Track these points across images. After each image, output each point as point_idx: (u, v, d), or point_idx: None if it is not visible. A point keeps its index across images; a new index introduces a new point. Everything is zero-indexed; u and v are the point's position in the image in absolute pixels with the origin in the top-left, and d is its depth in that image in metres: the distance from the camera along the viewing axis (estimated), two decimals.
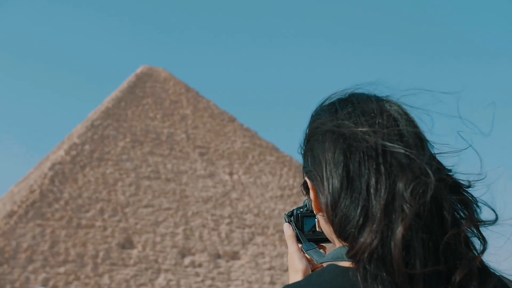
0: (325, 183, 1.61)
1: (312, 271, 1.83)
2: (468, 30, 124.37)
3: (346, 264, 1.54)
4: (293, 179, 43.49)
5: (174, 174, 40.69)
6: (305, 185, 1.76)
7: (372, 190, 1.50)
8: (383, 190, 1.49)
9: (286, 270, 36.80)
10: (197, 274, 35.37)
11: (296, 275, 1.81)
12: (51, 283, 32.27)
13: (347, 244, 1.55)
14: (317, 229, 1.76)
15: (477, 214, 1.57)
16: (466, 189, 1.60)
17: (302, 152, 1.76)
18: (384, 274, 1.44)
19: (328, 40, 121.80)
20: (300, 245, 1.90)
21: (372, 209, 1.49)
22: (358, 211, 1.51)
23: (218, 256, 36.70)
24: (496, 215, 1.56)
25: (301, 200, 43.16)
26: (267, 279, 36.27)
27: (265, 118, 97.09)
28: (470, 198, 1.59)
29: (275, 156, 45.04)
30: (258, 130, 62.97)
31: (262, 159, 44.55)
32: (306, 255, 1.88)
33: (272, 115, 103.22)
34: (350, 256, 1.50)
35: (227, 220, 38.89)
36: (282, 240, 38.48)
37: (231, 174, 42.44)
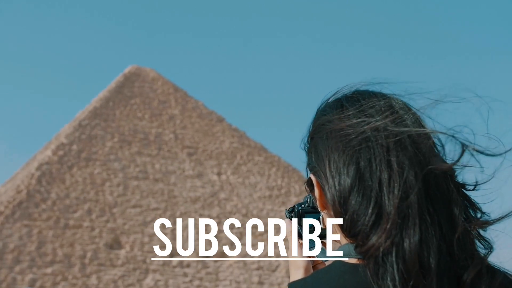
0: (331, 181, 1.59)
1: (313, 267, 1.82)
2: (465, 30, 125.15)
3: (353, 260, 1.53)
4: (281, 179, 43.54)
5: (162, 174, 40.58)
6: (309, 182, 1.74)
7: (385, 188, 1.50)
8: (396, 188, 1.48)
9: (274, 270, 36.84)
10: (185, 275, 35.32)
11: (297, 272, 1.78)
12: (38, 283, 32.06)
13: (353, 241, 1.54)
14: (322, 226, 1.74)
15: (478, 215, 1.58)
16: (470, 190, 1.59)
17: (306, 149, 1.74)
18: (396, 270, 1.43)
19: (317, 40, 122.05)
20: (301, 242, 1.86)
21: (385, 206, 1.48)
22: (371, 208, 1.50)
23: (206, 256, 36.68)
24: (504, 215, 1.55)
25: (289, 200, 43.36)
26: (255, 279, 36.29)
27: (253, 119, 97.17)
28: (471, 200, 1.59)
29: (263, 157, 45.06)
30: (247, 130, 62.97)
31: (250, 159, 44.55)
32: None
33: (261, 116, 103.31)
34: (360, 252, 1.50)
35: (215, 220, 38.86)
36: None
37: (219, 174, 42.41)
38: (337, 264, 1.55)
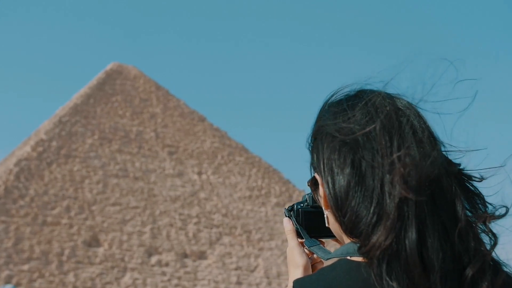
0: (325, 185, 1.61)
1: (311, 266, 1.82)
2: (462, 30, 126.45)
3: (358, 258, 1.52)
4: (261, 180, 43.60)
5: (142, 173, 40.42)
6: (312, 181, 1.74)
7: (386, 188, 1.49)
8: (397, 187, 1.48)
9: (253, 271, 36.90)
10: (163, 273, 35.22)
11: (296, 270, 1.78)
12: (14, 280, 31.73)
13: (357, 240, 1.54)
14: (326, 225, 1.72)
15: (487, 209, 1.58)
16: (477, 182, 1.60)
17: (310, 149, 1.74)
18: (399, 270, 1.44)
19: (300, 41, 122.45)
20: (300, 240, 1.87)
21: (386, 206, 1.48)
22: (372, 209, 1.50)
23: (185, 256, 36.60)
24: (507, 209, 1.56)
25: (269, 201, 43.35)
26: (233, 279, 36.30)
27: (235, 119, 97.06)
28: (479, 194, 1.59)
29: (244, 157, 45.10)
30: (228, 130, 62.89)
31: (231, 159, 44.56)
32: (306, 250, 1.86)
33: (242, 116, 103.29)
34: (363, 253, 1.49)
35: (194, 220, 38.81)
36: (249, 240, 38.57)
37: (200, 173, 42.36)
38: (342, 262, 1.55)
